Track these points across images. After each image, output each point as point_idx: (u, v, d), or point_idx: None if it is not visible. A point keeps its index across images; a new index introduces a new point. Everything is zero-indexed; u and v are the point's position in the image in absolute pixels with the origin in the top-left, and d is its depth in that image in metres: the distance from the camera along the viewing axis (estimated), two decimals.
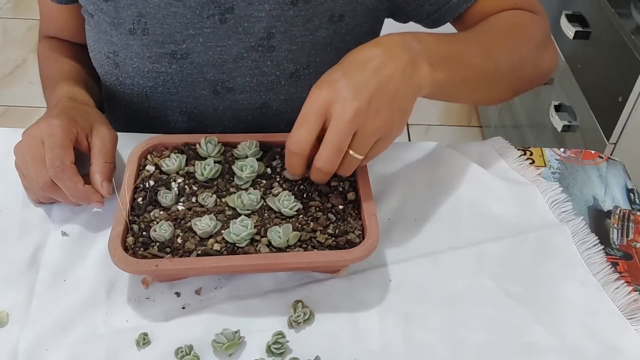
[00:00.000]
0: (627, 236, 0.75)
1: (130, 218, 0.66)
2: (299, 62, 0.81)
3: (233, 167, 0.72)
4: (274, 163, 0.73)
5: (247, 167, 0.71)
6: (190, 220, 0.66)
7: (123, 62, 0.81)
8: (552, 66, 0.85)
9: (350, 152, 0.63)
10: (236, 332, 0.61)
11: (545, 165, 0.83)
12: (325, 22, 0.79)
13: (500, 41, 0.77)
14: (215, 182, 0.71)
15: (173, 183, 0.70)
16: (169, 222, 0.66)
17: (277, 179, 0.71)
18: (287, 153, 0.65)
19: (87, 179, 0.69)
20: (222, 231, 0.65)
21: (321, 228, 0.66)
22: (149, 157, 0.73)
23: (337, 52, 0.81)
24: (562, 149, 0.86)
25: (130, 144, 0.75)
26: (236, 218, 0.66)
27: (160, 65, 0.80)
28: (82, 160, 0.70)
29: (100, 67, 0.85)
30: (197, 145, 0.74)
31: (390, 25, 0.88)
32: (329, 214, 0.68)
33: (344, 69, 0.63)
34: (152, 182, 0.70)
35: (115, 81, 0.84)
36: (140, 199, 0.69)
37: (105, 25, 0.80)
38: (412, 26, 0.87)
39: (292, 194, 0.68)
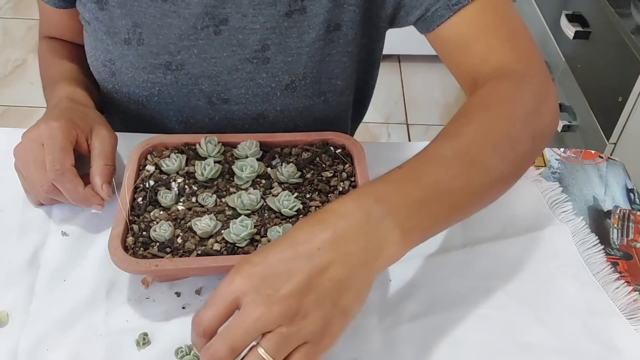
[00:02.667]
0: (627, 236, 0.75)
1: (130, 218, 0.66)
2: (294, 73, 0.80)
3: (233, 167, 0.72)
4: (274, 162, 0.73)
5: (247, 167, 0.71)
6: (190, 220, 0.66)
7: (119, 71, 0.81)
8: (554, 120, 0.69)
9: (260, 350, 0.49)
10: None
11: (545, 165, 0.83)
12: (322, 34, 0.78)
13: (482, 137, 0.62)
14: (215, 182, 0.71)
15: (173, 183, 0.70)
16: (169, 222, 0.66)
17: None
18: (191, 329, 0.53)
19: (86, 179, 0.69)
20: (222, 231, 0.65)
21: None
22: (149, 157, 0.73)
23: (335, 62, 0.80)
24: (562, 149, 0.86)
25: (130, 144, 0.75)
26: (236, 218, 0.66)
27: (155, 75, 0.80)
28: (81, 162, 0.70)
29: (98, 74, 0.84)
30: (197, 145, 0.74)
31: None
32: None
33: (269, 253, 0.51)
34: (152, 182, 0.70)
35: (112, 89, 0.84)
36: (140, 199, 0.69)
37: (101, 34, 0.80)
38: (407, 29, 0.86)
39: (292, 194, 0.69)
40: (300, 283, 0.49)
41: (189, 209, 0.68)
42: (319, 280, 0.50)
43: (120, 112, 0.87)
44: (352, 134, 0.98)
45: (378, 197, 0.53)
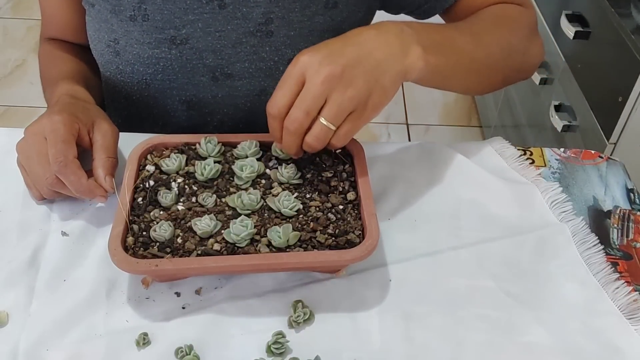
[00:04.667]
0: (627, 236, 0.75)
1: (130, 218, 0.66)
2: (297, 48, 0.82)
3: (233, 167, 0.72)
4: (274, 162, 0.73)
5: (247, 167, 0.71)
6: (190, 220, 0.66)
7: (123, 50, 0.82)
8: (540, 57, 0.87)
9: (321, 118, 0.63)
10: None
11: (545, 165, 0.83)
12: (321, 9, 0.80)
13: (491, 30, 0.79)
14: (215, 182, 0.71)
15: (173, 183, 0.70)
16: (169, 222, 0.66)
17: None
18: (267, 117, 0.66)
19: (89, 174, 0.69)
20: (222, 231, 0.65)
21: (321, 228, 0.66)
22: (149, 157, 0.73)
23: None
24: (562, 149, 0.86)
25: (130, 144, 0.75)
26: (236, 218, 0.66)
27: (160, 50, 0.81)
28: (84, 157, 0.70)
29: (101, 57, 0.85)
30: (197, 145, 0.74)
31: (381, 18, 0.88)
32: (329, 214, 0.68)
33: (329, 40, 0.65)
34: (152, 182, 0.70)
35: (115, 70, 0.84)
36: (140, 199, 0.69)
37: (106, 14, 0.81)
38: (403, 18, 0.88)
39: (292, 194, 0.69)
40: (353, 58, 0.63)
41: (189, 209, 0.68)
42: (366, 59, 0.63)
43: (122, 97, 0.87)
44: None
45: (409, 25, 0.68)
